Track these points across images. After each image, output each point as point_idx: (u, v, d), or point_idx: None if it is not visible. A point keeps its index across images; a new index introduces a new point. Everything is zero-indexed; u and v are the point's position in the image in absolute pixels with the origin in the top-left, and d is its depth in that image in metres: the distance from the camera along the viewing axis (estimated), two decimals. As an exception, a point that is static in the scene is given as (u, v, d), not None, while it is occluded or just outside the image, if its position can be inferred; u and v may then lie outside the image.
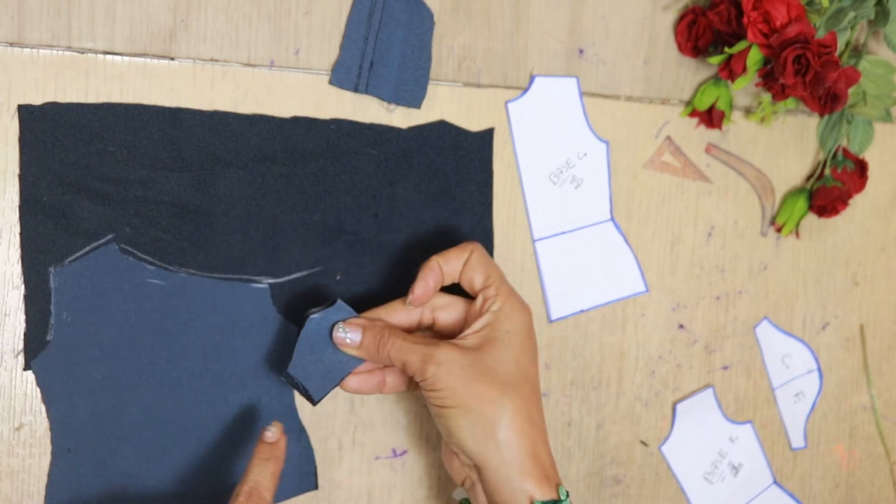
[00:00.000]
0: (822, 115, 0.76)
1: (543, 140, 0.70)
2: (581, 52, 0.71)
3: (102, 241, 0.61)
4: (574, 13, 0.70)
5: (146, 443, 0.62)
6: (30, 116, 0.59)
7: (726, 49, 0.68)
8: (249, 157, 0.63)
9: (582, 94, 0.71)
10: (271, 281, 0.64)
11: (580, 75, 0.71)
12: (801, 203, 0.76)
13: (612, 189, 0.72)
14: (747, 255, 0.77)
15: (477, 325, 0.60)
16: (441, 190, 0.67)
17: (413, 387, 0.63)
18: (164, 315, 0.62)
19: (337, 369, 0.61)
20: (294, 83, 0.64)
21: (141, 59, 0.61)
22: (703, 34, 0.71)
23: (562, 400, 0.72)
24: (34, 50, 0.59)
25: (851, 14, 0.67)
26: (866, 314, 0.81)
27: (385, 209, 0.66)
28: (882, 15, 0.71)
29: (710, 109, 0.73)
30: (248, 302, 0.64)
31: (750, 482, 0.78)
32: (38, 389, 0.60)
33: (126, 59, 0.61)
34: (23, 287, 0.59)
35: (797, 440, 0.79)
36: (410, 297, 0.60)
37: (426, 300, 0.61)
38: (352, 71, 0.65)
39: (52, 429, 0.60)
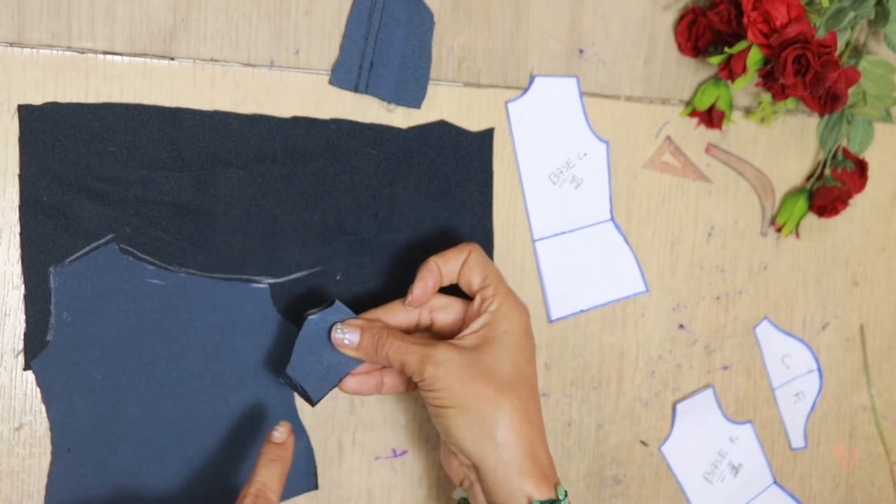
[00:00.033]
0: (822, 115, 0.76)
1: (543, 140, 0.70)
2: (581, 52, 0.71)
3: (102, 241, 0.61)
4: (574, 13, 0.70)
5: (146, 443, 0.62)
6: (30, 116, 0.59)
7: (726, 49, 0.68)
8: (249, 157, 0.63)
9: (582, 94, 0.71)
10: (271, 281, 0.64)
11: (580, 75, 0.71)
12: (801, 203, 0.76)
13: (612, 189, 0.72)
14: (747, 255, 0.77)
15: (475, 326, 0.60)
16: (441, 190, 0.67)
17: (411, 387, 0.63)
18: (164, 315, 0.62)
19: (335, 370, 0.61)
20: (294, 83, 0.64)
21: (141, 59, 0.61)
22: (703, 34, 0.71)
23: (562, 400, 0.72)
24: (34, 50, 0.59)
25: (851, 14, 0.67)
26: (866, 314, 0.81)
27: (385, 209, 0.66)
28: (882, 15, 0.71)
29: (710, 109, 0.73)
30: (248, 302, 0.64)
31: (750, 482, 0.78)
32: (38, 389, 0.60)
33: (126, 59, 0.61)
34: (23, 287, 0.60)
35: (797, 440, 0.79)
36: (409, 297, 0.60)
37: (425, 301, 0.61)
38: (352, 71, 0.65)
39: (52, 429, 0.61)
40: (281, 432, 0.59)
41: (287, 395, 0.65)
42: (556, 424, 0.72)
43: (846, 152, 0.77)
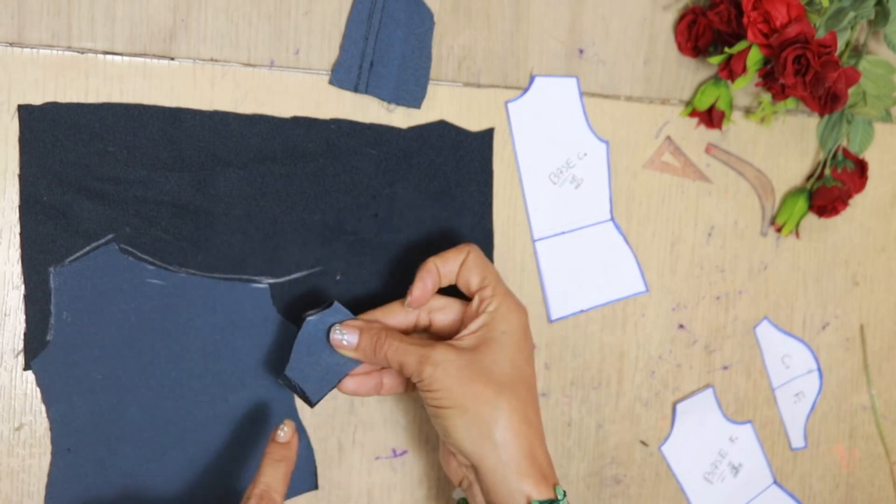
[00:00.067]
0: (822, 115, 0.76)
1: (543, 140, 0.70)
2: (581, 52, 0.71)
3: (102, 241, 0.61)
4: (574, 13, 0.70)
5: (146, 443, 0.62)
6: (30, 116, 0.59)
7: (726, 49, 0.68)
8: (249, 157, 0.63)
9: (582, 94, 0.71)
10: (271, 281, 0.64)
11: (580, 75, 0.71)
12: (801, 203, 0.76)
13: (612, 189, 0.72)
14: (747, 255, 0.77)
15: (473, 326, 0.60)
16: (441, 190, 0.67)
17: (410, 388, 0.63)
18: (164, 315, 0.62)
19: (334, 371, 0.61)
20: (294, 83, 0.64)
21: (141, 59, 0.61)
22: (703, 34, 0.71)
23: (562, 400, 0.72)
24: (34, 50, 0.59)
25: (851, 14, 0.67)
26: (866, 314, 0.81)
27: (385, 209, 0.66)
28: (882, 15, 0.71)
29: (710, 109, 0.72)
30: (248, 302, 0.64)
31: (750, 482, 0.78)
32: (38, 389, 0.60)
33: (126, 59, 0.61)
34: (23, 287, 0.60)
35: (797, 440, 0.79)
36: (409, 298, 0.60)
37: (424, 301, 0.61)
38: (352, 71, 0.65)
39: (52, 429, 0.61)
40: (285, 432, 0.59)
41: (287, 395, 0.65)
42: (556, 424, 0.72)
43: (846, 152, 0.77)
